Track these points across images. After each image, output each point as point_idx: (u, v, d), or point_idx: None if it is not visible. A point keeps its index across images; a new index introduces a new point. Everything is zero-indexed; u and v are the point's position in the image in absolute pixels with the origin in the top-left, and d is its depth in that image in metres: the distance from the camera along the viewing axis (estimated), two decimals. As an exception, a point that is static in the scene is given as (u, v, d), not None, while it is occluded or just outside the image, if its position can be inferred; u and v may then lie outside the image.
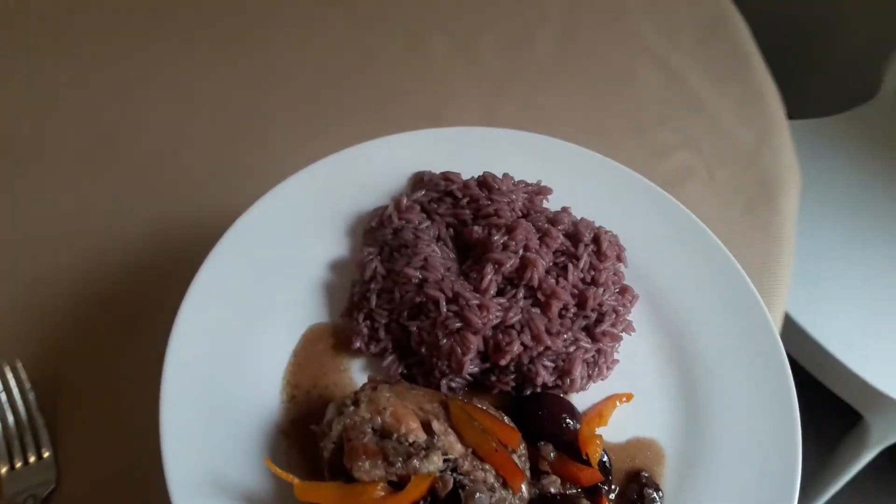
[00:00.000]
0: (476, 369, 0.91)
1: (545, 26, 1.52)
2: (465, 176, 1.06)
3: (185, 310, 0.92)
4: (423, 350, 0.91)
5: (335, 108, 1.39)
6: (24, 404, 1.06)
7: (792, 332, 1.70)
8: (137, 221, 1.21)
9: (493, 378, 0.92)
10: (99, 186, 1.26)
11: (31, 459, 1.02)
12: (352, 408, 0.82)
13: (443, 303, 0.91)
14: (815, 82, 2.43)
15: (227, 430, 0.86)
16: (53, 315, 1.11)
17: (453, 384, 0.92)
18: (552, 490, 0.85)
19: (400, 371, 0.93)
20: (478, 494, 0.78)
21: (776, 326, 0.99)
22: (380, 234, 1.00)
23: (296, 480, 0.77)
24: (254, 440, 0.86)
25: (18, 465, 1.02)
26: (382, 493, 0.76)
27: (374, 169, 1.08)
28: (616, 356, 0.97)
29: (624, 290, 1.00)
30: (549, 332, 0.91)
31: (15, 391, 1.05)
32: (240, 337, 0.93)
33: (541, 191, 1.07)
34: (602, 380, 0.96)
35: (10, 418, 1.04)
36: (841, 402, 1.78)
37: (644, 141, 1.35)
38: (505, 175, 1.05)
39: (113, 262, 1.16)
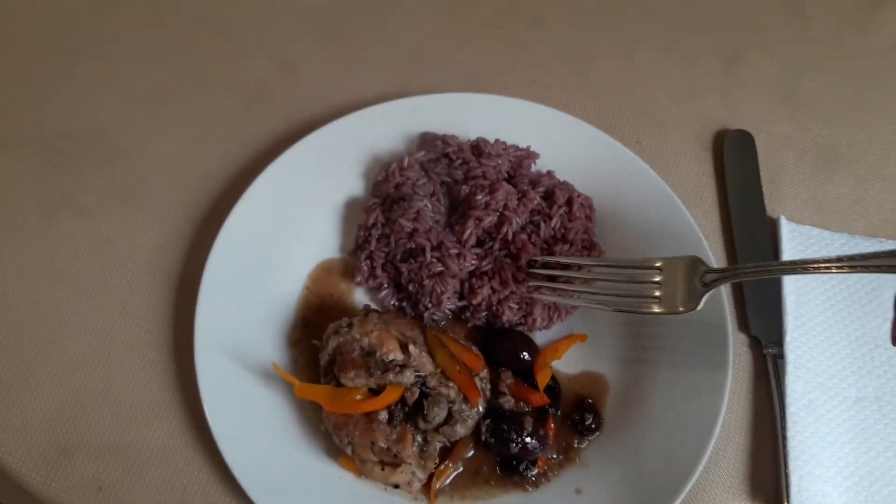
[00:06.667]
0: (454, 306, 1.10)
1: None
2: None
3: (236, 210, 1.13)
4: (410, 287, 1.10)
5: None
6: None
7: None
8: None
9: (468, 314, 1.11)
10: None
11: None
12: (346, 329, 1.03)
13: (428, 250, 1.09)
14: None
15: (253, 312, 1.09)
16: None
17: (435, 317, 1.11)
18: (505, 407, 1.04)
19: (392, 303, 1.13)
20: (438, 404, 0.99)
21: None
22: (385, 186, 1.17)
23: (297, 382, 1.00)
24: (271, 328, 1.10)
25: None
26: (361, 397, 0.98)
27: (400, 125, 1.24)
28: (578, 302, 1.13)
29: (592, 246, 1.14)
30: (515, 279, 1.08)
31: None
32: (274, 240, 1.14)
33: (529, 155, 1.21)
34: (562, 321, 1.13)
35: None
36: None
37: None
38: (497, 140, 1.20)
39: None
